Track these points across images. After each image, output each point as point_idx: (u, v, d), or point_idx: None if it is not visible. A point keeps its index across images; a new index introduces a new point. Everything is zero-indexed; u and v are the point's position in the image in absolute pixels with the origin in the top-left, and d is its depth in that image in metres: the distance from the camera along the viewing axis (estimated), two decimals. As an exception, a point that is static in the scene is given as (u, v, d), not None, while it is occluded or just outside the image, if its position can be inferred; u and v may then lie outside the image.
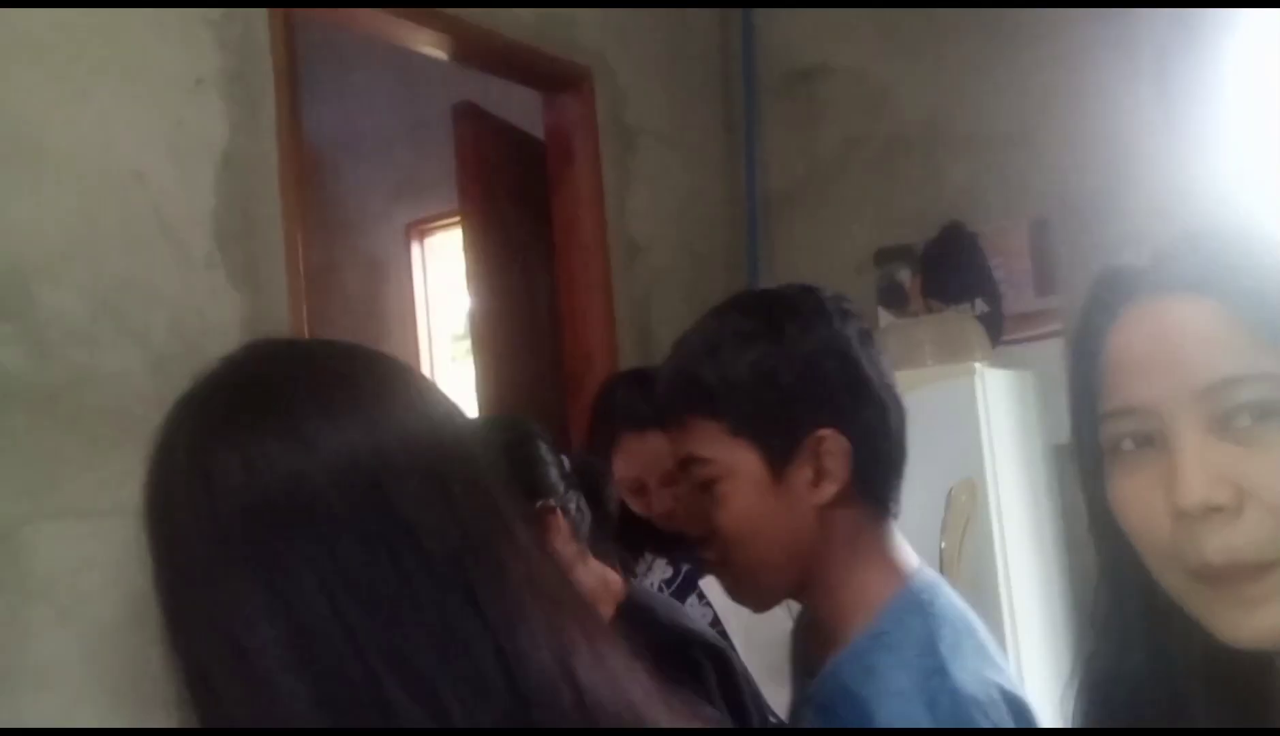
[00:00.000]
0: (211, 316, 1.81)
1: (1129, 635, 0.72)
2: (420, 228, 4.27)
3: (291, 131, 1.92)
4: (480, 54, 2.46)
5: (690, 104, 3.04)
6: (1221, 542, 0.61)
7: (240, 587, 0.60)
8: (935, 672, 0.94)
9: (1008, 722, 0.94)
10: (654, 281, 2.80)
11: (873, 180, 3.08)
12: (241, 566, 0.61)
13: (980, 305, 2.91)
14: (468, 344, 3.10)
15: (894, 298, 3.05)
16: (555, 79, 2.62)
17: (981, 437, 2.34)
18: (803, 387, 1.00)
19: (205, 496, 0.62)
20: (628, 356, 2.63)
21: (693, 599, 1.73)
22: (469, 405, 2.74)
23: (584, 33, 2.67)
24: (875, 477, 1.02)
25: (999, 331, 2.84)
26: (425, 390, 0.69)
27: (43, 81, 1.63)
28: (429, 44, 2.37)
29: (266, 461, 0.62)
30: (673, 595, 1.74)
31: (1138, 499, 0.65)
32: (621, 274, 2.65)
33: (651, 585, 1.77)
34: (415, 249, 4.31)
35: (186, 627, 0.63)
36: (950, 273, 2.94)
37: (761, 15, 3.21)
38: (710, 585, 1.69)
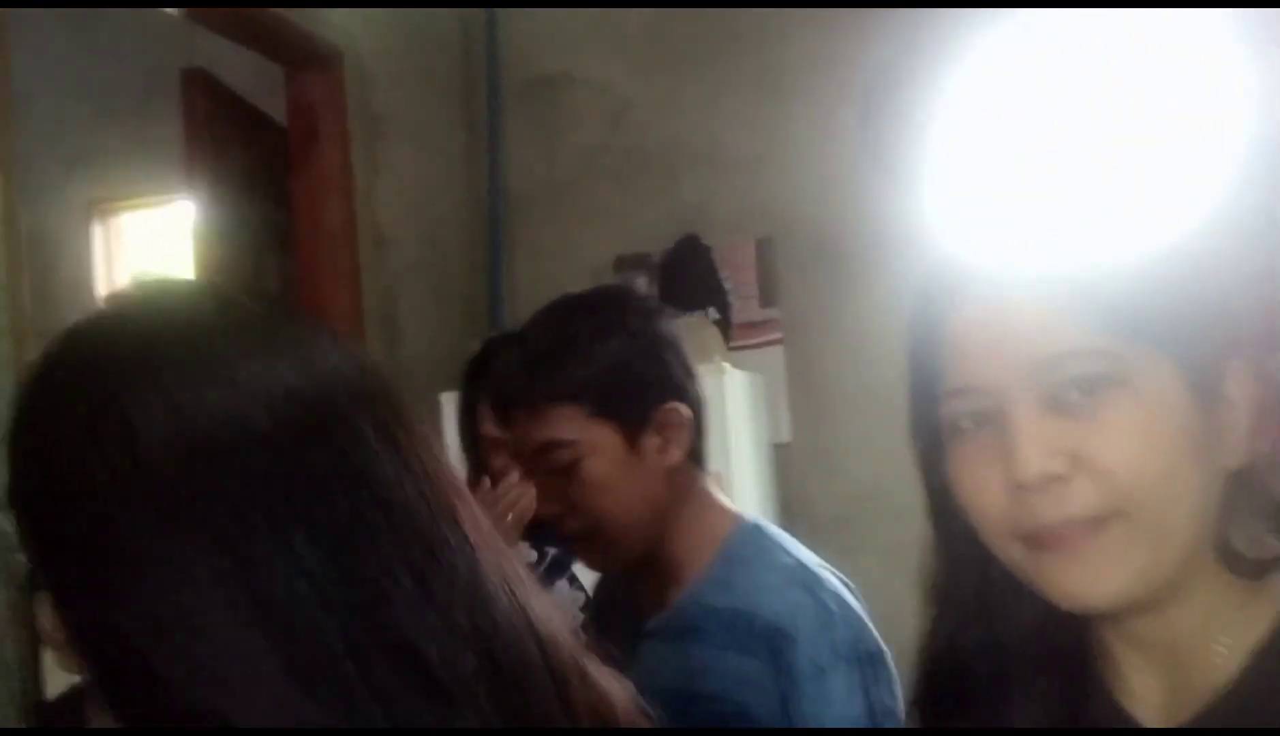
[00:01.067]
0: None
1: (966, 609, 0.74)
2: (105, 205, 3.84)
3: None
4: (219, 16, 2.26)
5: (434, 98, 2.97)
6: (1057, 506, 0.64)
7: (179, 546, 0.52)
8: (797, 566, 1.14)
9: (864, 604, 1.13)
10: (403, 273, 2.70)
11: (612, 189, 3.16)
12: (177, 522, 0.52)
13: (713, 313, 3.07)
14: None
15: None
16: (302, 54, 2.46)
17: (727, 433, 2.47)
18: (651, 370, 1.16)
19: (123, 449, 0.53)
20: (374, 350, 2.51)
21: (563, 583, 1.71)
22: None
23: (334, 12, 2.53)
24: (702, 442, 1.20)
25: (728, 338, 3.02)
26: (337, 334, 0.63)
27: None
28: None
29: (198, 404, 0.54)
30: (540, 579, 1.70)
31: (976, 475, 0.67)
32: (370, 264, 2.54)
33: None
34: (97, 228, 3.87)
35: (100, 608, 0.53)
36: (685, 282, 3.08)
37: (504, 17, 3.20)
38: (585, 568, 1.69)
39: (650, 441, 1.14)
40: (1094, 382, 0.64)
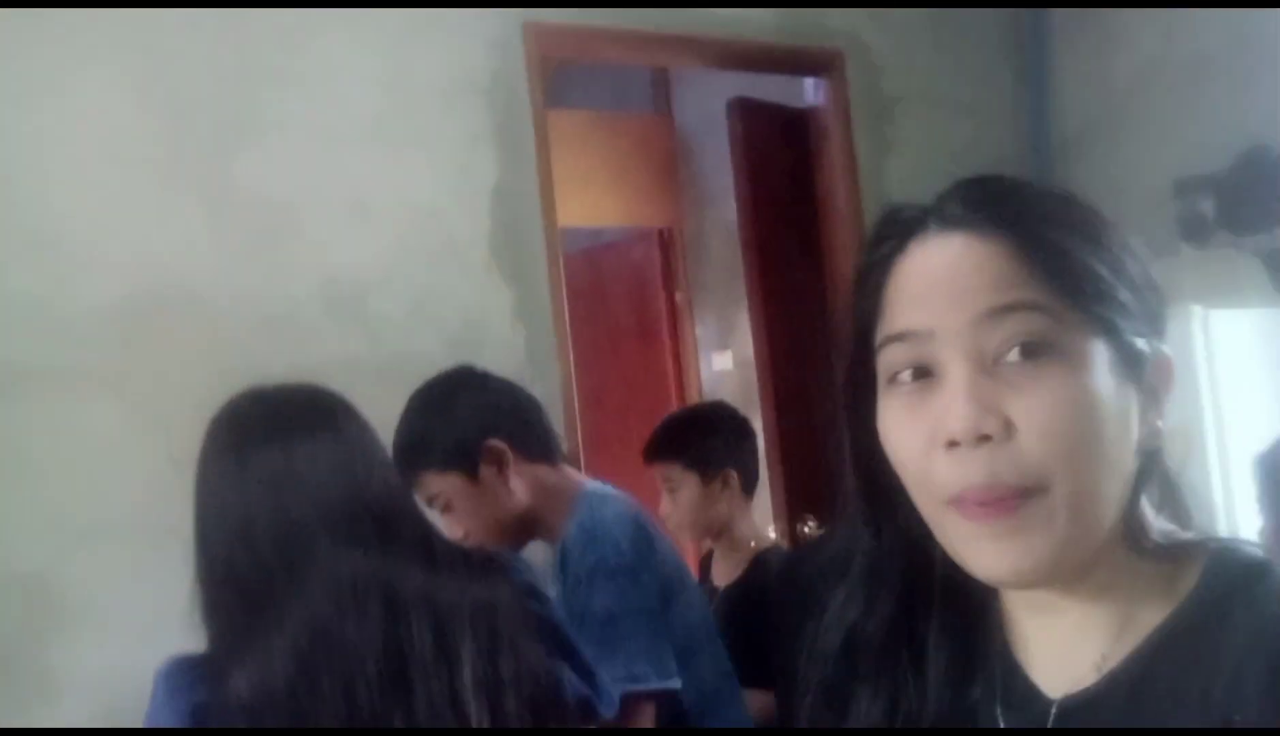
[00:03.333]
0: (491, 307, 2.50)
1: (882, 587, 0.74)
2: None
3: (546, 162, 2.53)
4: (733, 59, 2.88)
5: (962, 64, 3.14)
6: (984, 467, 0.63)
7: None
8: (634, 505, 1.70)
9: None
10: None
11: (1171, 106, 2.93)
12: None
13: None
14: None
15: (1196, 230, 2.89)
16: (807, 64, 2.93)
17: None
18: (471, 429, 1.67)
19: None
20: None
21: None
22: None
23: (832, 15, 2.94)
24: (532, 446, 1.69)
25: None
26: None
27: (364, 148, 2.41)
28: (685, 61, 2.84)
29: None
30: None
31: (905, 428, 0.67)
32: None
33: None
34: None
35: None
36: (1251, 202, 2.73)
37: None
38: None
39: (486, 471, 1.65)
40: (1034, 345, 0.64)
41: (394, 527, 1.21)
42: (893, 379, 0.68)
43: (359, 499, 1.19)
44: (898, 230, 0.70)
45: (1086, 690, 0.68)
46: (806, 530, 3.15)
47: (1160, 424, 0.68)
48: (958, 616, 0.74)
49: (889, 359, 0.68)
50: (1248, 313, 2.81)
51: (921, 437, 0.66)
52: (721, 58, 2.83)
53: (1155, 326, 0.70)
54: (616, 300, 4.51)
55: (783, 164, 3.10)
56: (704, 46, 2.78)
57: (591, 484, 1.75)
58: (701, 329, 4.56)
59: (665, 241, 4.49)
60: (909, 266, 0.69)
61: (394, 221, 2.42)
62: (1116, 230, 0.70)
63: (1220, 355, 2.60)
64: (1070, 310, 0.65)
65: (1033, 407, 0.63)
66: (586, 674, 1.31)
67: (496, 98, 2.53)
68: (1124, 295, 0.67)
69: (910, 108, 3.05)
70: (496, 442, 1.66)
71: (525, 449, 1.69)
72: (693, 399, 4.34)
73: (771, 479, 3.13)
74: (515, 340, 2.53)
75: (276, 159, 2.30)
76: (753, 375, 4.03)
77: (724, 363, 4.49)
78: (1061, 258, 0.66)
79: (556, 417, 2.52)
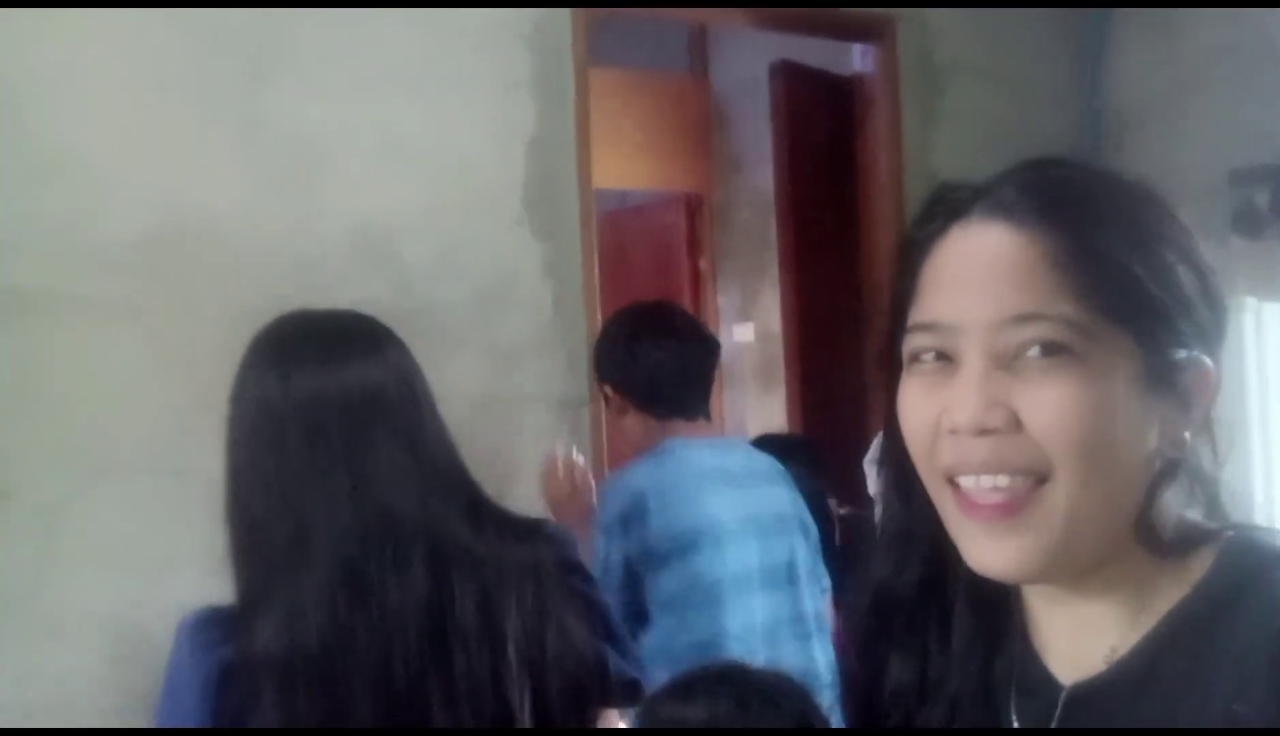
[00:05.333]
0: (521, 261, 2.44)
1: (909, 550, 0.75)
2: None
3: (584, 117, 2.46)
4: (782, 20, 2.79)
5: (1020, 37, 3.05)
6: (985, 452, 0.64)
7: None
8: (621, 473, 1.93)
9: None
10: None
11: (1234, 94, 2.84)
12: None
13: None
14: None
15: (1249, 222, 2.82)
16: (857, 30, 2.85)
17: None
18: None
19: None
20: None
21: None
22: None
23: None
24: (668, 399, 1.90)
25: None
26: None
27: (401, 94, 2.33)
28: (734, 20, 2.76)
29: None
30: None
31: (919, 406, 0.68)
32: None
33: None
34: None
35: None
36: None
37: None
38: None
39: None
40: (1055, 346, 0.64)
41: (441, 476, 1.12)
42: (915, 358, 0.69)
43: (405, 439, 1.11)
44: (943, 210, 0.69)
45: (1095, 678, 0.68)
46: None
47: (1186, 435, 0.66)
48: (983, 588, 0.73)
49: (915, 342, 0.69)
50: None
51: (932, 417, 0.67)
52: (771, 19, 2.74)
53: (1204, 339, 0.67)
54: (640, 265, 4.44)
55: (824, 132, 3.03)
56: (753, 6, 2.69)
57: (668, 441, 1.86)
58: (724, 299, 4.49)
59: (693, 207, 4.41)
60: (946, 252, 0.68)
61: (427, 167, 2.36)
62: (1181, 234, 0.68)
63: (1271, 348, 2.53)
64: (1099, 320, 0.64)
65: (1041, 404, 0.64)
66: (630, 657, 1.23)
67: (537, 45, 2.45)
68: (1169, 307, 0.65)
69: (961, 80, 2.96)
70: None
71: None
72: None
73: (794, 453, 3.07)
74: (543, 295, 2.47)
75: (311, 94, 2.23)
76: (775, 348, 3.98)
77: (745, 334, 4.42)
78: (1102, 265, 0.64)
79: (581, 377, 2.47)
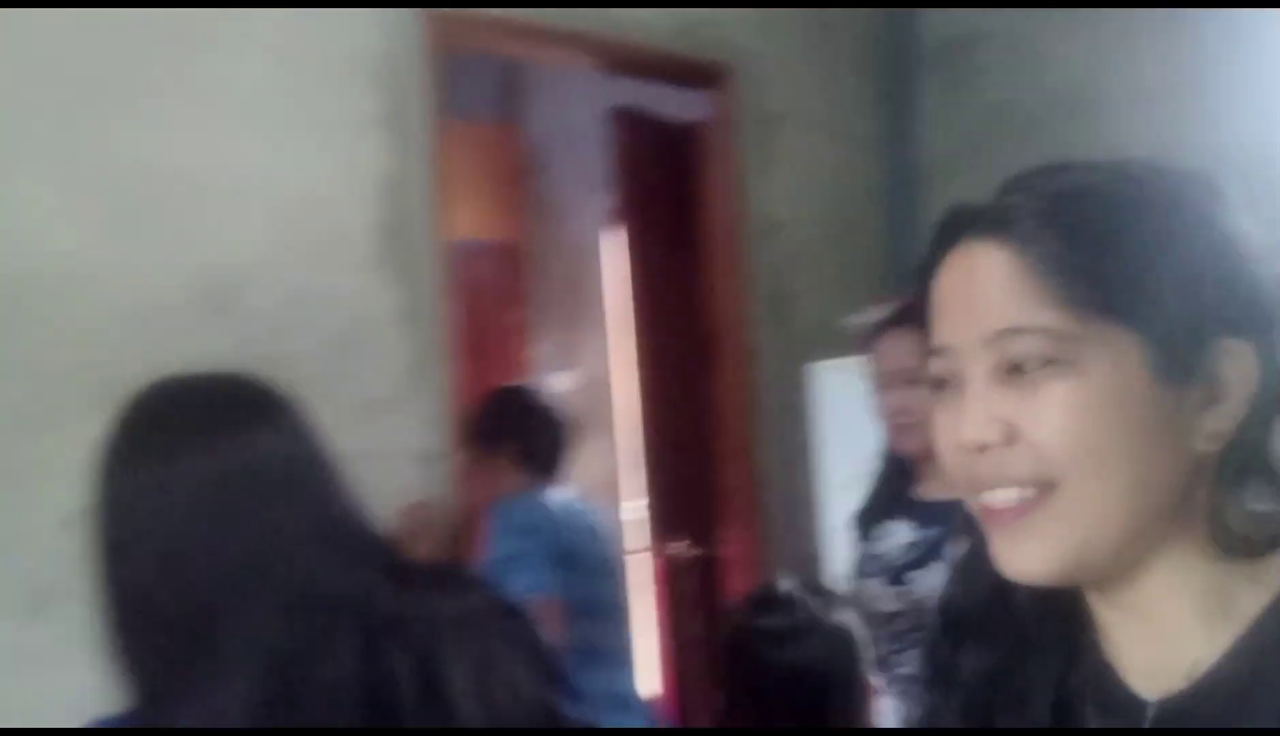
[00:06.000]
0: (374, 309, 2.29)
1: (978, 564, 0.74)
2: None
3: (439, 157, 2.36)
4: (625, 64, 2.80)
5: (840, 84, 3.20)
6: (992, 471, 0.67)
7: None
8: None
9: None
10: (796, 255, 3.02)
11: (1022, 145, 3.10)
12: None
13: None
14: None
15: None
16: (696, 76, 2.90)
17: None
18: None
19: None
20: (764, 327, 2.91)
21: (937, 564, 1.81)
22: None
23: (726, 28, 2.92)
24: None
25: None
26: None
27: (240, 129, 2.15)
28: (577, 59, 2.74)
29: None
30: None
31: (942, 430, 0.71)
32: (761, 250, 2.91)
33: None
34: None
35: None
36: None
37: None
38: None
39: None
40: (1049, 357, 0.65)
41: (357, 540, 1.03)
42: (938, 383, 0.72)
43: (317, 506, 1.01)
44: (943, 235, 0.72)
45: (1182, 695, 0.66)
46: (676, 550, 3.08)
47: (1228, 425, 0.66)
48: (1052, 601, 0.73)
49: (933, 368, 0.72)
50: None
51: (948, 439, 0.70)
52: (615, 61, 2.74)
53: (1233, 323, 0.66)
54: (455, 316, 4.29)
55: (663, 178, 3.05)
56: (599, 47, 2.69)
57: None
58: (538, 349, 4.42)
59: (507, 256, 4.33)
60: (943, 277, 0.71)
61: (273, 207, 2.18)
62: (1194, 216, 0.66)
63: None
64: (1091, 321, 0.65)
65: (1040, 414, 0.65)
66: (576, 699, 1.17)
67: (386, 84, 2.34)
68: (1168, 295, 0.65)
69: (792, 128, 3.06)
70: None
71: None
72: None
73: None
74: (398, 345, 2.33)
75: (146, 128, 2.02)
76: (602, 394, 3.95)
77: (563, 383, 4.37)
78: (1083, 265, 0.65)
79: (440, 430, 2.34)
